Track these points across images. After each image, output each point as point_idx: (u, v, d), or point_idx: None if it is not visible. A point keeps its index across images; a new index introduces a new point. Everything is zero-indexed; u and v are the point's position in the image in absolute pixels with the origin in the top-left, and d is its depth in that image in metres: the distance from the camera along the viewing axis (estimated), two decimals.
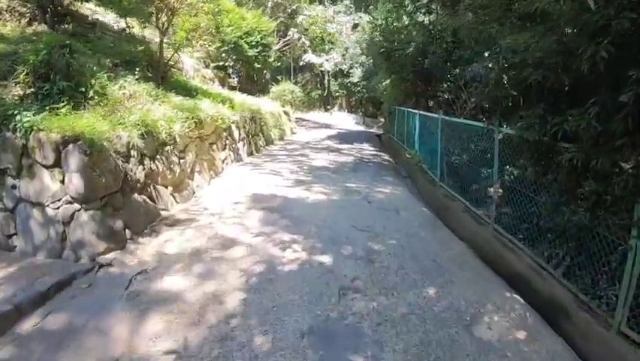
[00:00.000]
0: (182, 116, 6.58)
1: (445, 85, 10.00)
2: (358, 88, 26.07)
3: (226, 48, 14.76)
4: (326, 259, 4.27)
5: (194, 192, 6.73)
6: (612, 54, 2.94)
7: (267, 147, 13.27)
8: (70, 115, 4.49)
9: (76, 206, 4.26)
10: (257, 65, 16.79)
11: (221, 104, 9.69)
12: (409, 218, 5.91)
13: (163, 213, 5.50)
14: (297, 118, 22.99)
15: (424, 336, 3.08)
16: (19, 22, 7.17)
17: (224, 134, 9.19)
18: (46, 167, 4.31)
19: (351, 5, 26.77)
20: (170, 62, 8.88)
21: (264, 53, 16.54)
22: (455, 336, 3.11)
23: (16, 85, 4.90)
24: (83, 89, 5.07)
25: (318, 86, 31.22)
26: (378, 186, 7.95)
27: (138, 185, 5.07)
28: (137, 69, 6.99)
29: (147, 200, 5.25)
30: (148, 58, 7.94)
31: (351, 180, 8.49)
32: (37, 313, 3.42)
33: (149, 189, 5.35)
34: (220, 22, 12.84)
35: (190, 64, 11.90)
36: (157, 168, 5.55)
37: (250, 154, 11.35)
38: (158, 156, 5.64)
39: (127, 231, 4.66)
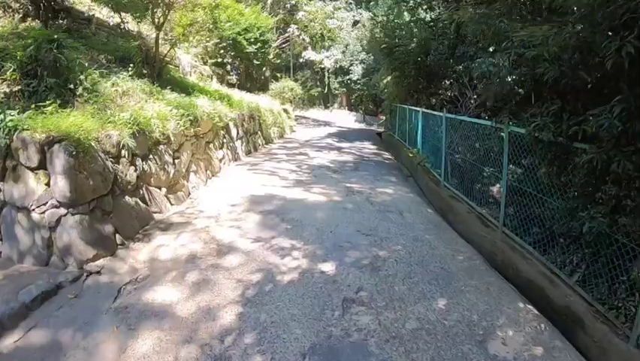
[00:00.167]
0: (178, 113, 6.35)
1: (448, 82, 9.80)
2: (358, 85, 25.85)
3: (224, 44, 14.50)
4: (328, 267, 4.03)
5: (189, 193, 6.49)
6: (638, 50, 2.73)
7: (266, 146, 13.04)
8: (56, 113, 4.24)
9: (63, 210, 4.02)
10: (256, 62, 16.58)
11: (219, 101, 9.46)
12: (413, 220, 5.67)
13: (156, 216, 5.26)
14: (296, 116, 22.79)
15: (436, 354, 2.85)
16: (13, 18, 7.01)
17: (222, 132, 8.96)
18: (31, 169, 4.07)
19: (351, 1, 26.46)
20: (166, 59, 8.63)
21: (263, 50, 16.30)
22: (469, 354, 2.87)
23: (2, 82, 4.68)
24: (72, 86, 4.85)
25: (318, 83, 31.02)
26: (381, 186, 7.72)
27: (129, 187, 4.83)
28: (131, 65, 6.74)
29: (139, 202, 5.00)
30: (143, 54, 7.68)
31: (353, 179, 8.25)
32: (20, 326, 3.21)
33: (141, 191, 5.11)
34: (218, 18, 12.56)
35: (187, 60, 11.65)
36: (150, 168, 5.31)
37: (248, 153, 11.12)
38: (151, 156, 5.40)
39: (117, 236, 4.42)
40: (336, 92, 31.30)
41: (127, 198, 4.77)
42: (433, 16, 10.73)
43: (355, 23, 24.53)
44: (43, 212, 4.07)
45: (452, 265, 4.27)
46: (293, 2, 22.89)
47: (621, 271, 3.14)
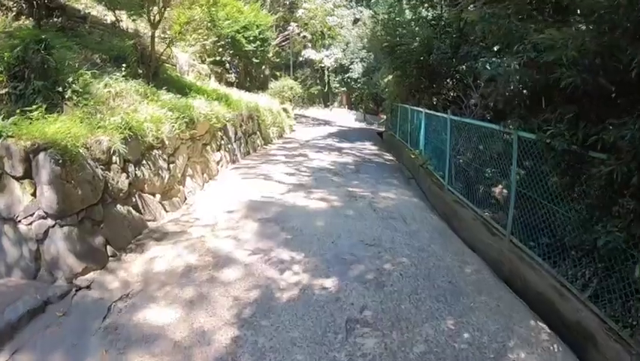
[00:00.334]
0: (173, 116, 6.12)
1: (451, 82, 9.60)
2: (359, 84, 25.63)
3: (223, 43, 14.22)
4: (330, 283, 3.81)
5: (185, 199, 6.28)
6: None
7: (265, 147, 12.82)
8: (42, 119, 4.03)
9: (50, 222, 3.81)
10: (255, 61, 16.33)
11: (217, 101, 9.23)
12: (418, 228, 5.47)
13: (150, 224, 5.05)
14: (296, 115, 22.57)
15: None
16: (6, 17, 6.79)
17: (219, 134, 8.74)
18: (16, 178, 3.86)
19: None
20: (162, 57, 8.40)
21: (262, 48, 16.04)
22: None
23: None
24: (60, 89, 4.61)
25: (318, 81, 30.77)
26: (383, 190, 7.51)
27: (121, 195, 4.62)
28: (125, 65, 6.51)
29: (132, 211, 4.78)
30: (138, 53, 7.46)
31: (354, 183, 8.04)
32: (5, 349, 2.99)
33: (133, 199, 4.89)
34: (216, 16, 12.32)
35: (184, 59, 11.40)
36: (143, 174, 5.10)
37: (247, 154, 10.90)
38: (144, 162, 5.19)
39: (108, 247, 4.20)
40: (337, 90, 31.07)
41: (118, 206, 4.55)
42: (434, 14, 10.53)
43: (356, 21, 24.29)
44: (30, 223, 3.86)
45: (460, 278, 4.08)
46: None
47: (637, 288, 2.97)
